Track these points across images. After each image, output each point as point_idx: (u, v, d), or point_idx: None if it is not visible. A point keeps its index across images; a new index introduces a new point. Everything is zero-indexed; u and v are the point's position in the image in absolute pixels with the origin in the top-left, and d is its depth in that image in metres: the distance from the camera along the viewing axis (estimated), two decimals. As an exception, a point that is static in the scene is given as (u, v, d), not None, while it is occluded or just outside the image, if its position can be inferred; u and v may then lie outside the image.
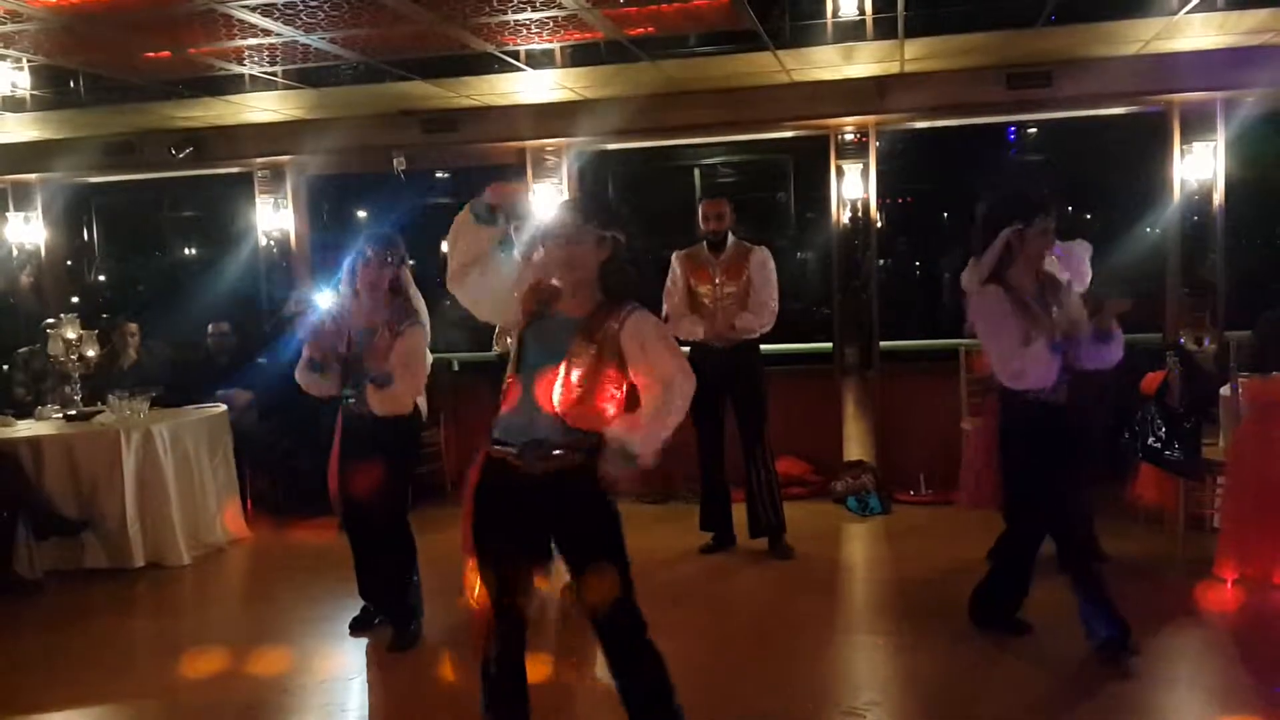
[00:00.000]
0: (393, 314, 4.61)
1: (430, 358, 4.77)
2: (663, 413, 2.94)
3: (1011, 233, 4.14)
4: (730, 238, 5.93)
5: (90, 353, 6.72)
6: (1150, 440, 5.42)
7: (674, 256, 6.05)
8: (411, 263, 4.84)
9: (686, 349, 5.84)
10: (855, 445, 7.34)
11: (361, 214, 9.86)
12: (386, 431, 4.62)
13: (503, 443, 3.03)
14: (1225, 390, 5.44)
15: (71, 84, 6.74)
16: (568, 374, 2.96)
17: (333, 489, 4.78)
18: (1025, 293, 4.16)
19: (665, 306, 5.93)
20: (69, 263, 9.36)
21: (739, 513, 6.05)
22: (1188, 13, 5.65)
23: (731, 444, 5.98)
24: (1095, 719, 3.75)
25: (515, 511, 3.03)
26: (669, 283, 6.00)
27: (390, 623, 4.81)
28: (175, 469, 6.24)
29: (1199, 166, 6.89)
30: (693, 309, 5.91)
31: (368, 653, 4.70)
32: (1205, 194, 6.92)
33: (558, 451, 2.96)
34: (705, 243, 5.96)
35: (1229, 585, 4.97)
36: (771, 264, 5.94)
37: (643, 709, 3.07)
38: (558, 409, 2.95)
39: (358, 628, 4.89)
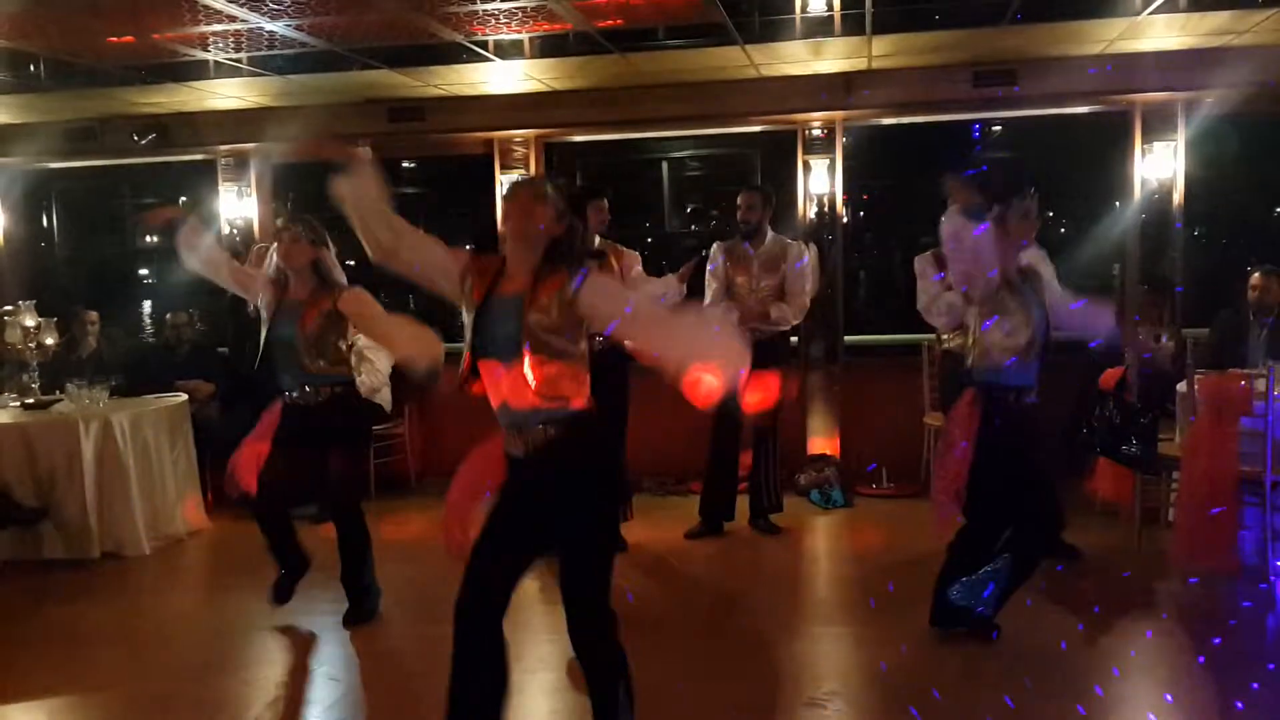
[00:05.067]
0: (318, 289, 4.69)
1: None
2: None
3: (993, 215, 4.09)
4: (770, 232, 6.07)
5: (49, 341, 6.63)
6: (1108, 435, 5.50)
7: (715, 245, 6.20)
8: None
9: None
10: (819, 439, 7.39)
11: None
12: (332, 419, 4.73)
13: None
14: (1181, 387, 5.53)
15: (32, 68, 6.63)
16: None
17: (243, 479, 4.77)
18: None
19: (708, 293, 6.12)
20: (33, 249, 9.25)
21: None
22: (1150, 14, 5.72)
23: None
24: (1054, 709, 3.80)
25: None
26: (709, 270, 6.15)
27: (349, 599, 4.91)
28: (135, 459, 6.18)
29: (1159, 166, 6.99)
30: (730, 299, 6.05)
31: (329, 644, 4.70)
32: (1165, 193, 7.02)
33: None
34: (740, 235, 6.09)
35: (1183, 578, 5.06)
36: (808, 258, 6.07)
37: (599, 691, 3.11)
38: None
39: (281, 597, 4.91)
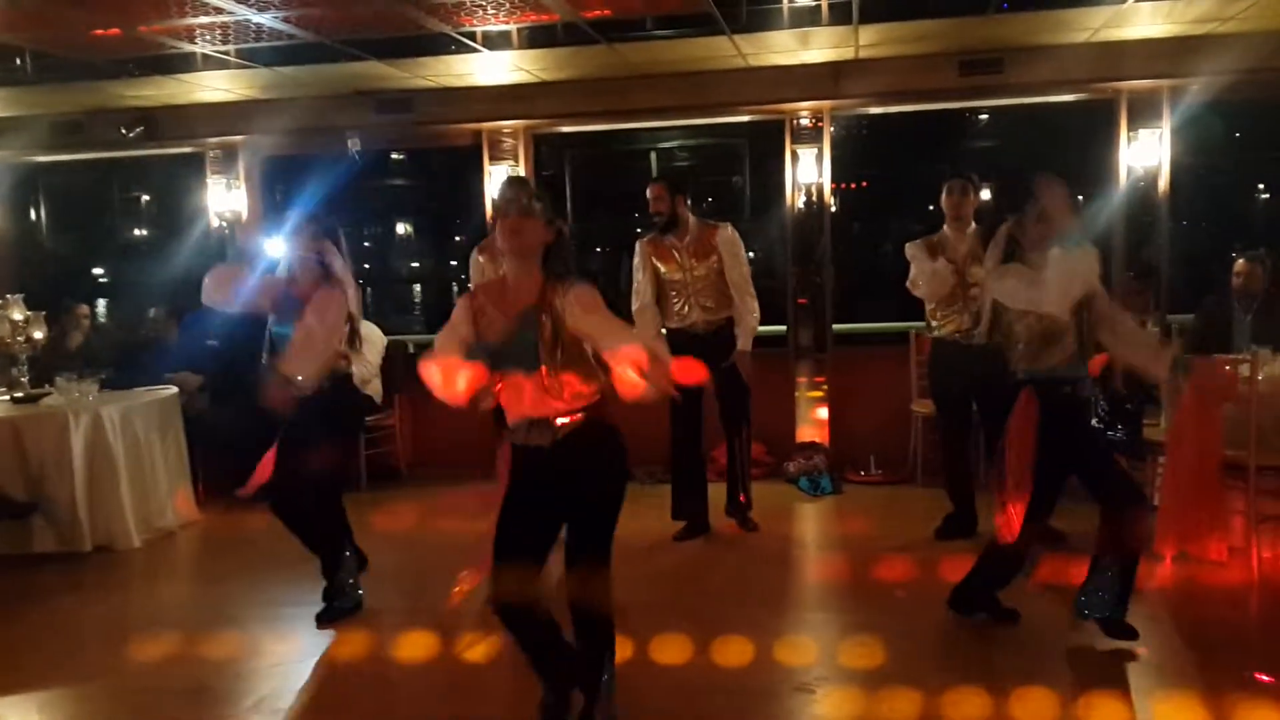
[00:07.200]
0: (314, 282, 4.64)
1: (379, 334, 4.65)
2: None
3: (1010, 224, 4.17)
4: (691, 219, 5.82)
5: (38, 334, 6.61)
6: (1094, 421, 5.54)
7: (638, 243, 5.95)
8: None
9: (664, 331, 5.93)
10: (808, 427, 7.43)
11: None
12: (310, 406, 4.60)
13: None
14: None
15: (18, 61, 6.61)
16: None
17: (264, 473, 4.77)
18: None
19: (635, 289, 5.89)
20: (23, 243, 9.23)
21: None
22: (1135, 1, 5.75)
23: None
24: (1040, 692, 3.84)
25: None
26: (634, 266, 5.92)
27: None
28: (125, 451, 6.18)
29: (1145, 153, 7.02)
30: (663, 294, 5.85)
31: (318, 636, 4.70)
32: (1150, 180, 7.05)
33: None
34: (656, 228, 5.84)
35: (1168, 562, 5.09)
36: (740, 242, 5.85)
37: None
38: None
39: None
